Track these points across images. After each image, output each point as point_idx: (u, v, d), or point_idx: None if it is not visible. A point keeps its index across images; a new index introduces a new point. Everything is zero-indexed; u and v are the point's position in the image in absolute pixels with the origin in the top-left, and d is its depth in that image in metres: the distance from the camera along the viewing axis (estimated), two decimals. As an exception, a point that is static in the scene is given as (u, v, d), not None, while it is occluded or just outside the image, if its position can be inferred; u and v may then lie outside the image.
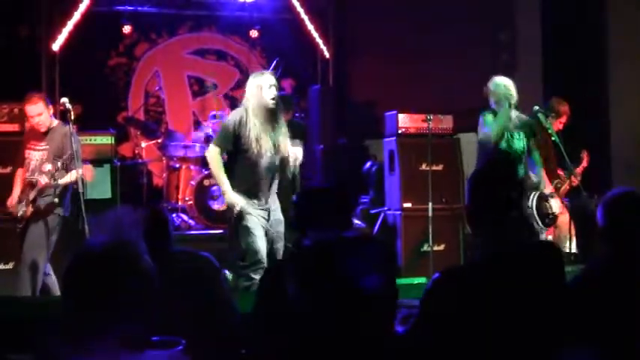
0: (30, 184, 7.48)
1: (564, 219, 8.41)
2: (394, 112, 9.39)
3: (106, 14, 12.03)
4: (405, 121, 9.30)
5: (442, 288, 3.23)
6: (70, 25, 11.17)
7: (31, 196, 7.44)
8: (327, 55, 12.68)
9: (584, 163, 8.82)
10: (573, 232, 8.45)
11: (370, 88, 12.06)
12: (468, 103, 10.02)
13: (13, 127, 8.42)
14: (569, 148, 8.27)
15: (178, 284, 3.74)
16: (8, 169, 8.07)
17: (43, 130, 7.54)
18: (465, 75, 10.46)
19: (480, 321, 3.08)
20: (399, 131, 9.28)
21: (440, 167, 9.16)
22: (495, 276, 3.17)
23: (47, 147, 7.55)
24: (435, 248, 8.57)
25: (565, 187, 8.65)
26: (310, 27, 12.49)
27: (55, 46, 11.10)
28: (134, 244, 2.46)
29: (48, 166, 7.42)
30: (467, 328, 3.08)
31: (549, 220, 7.67)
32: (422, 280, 7.77)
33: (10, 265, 8.12)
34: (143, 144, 10.96)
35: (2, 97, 8.76)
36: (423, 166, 8.91)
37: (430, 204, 8.30)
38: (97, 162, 8.35)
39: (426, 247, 8.58)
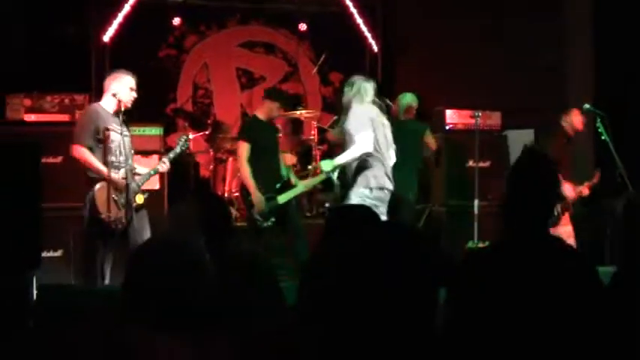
0: (132, 172, 7.14)
1: (567, 230, 8.41)
2: (442, 107, 9.38)
3: (156, 6, 12.11)
4: (452, 116, 9.29)
5: (465, 272, 3.27)
6: (120, 16, 11.26)
7: (141, 183, 7.20)
8: (375, 49, 12.66)
9: (595, 180, 8.70)
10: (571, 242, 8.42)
11: (418, 83, 12.00)
12: (516, 100, 9.97)
13: (64, 118, 8.54)
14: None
15: (234, 277, 3.78)
16: (59, 159, 8.18)
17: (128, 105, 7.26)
18: (514, 71, 10.40)
19: (505, 305, 3.10)
20: (447, 127, 9.26)
21: (487, 164, 9.13)
22: (520, 260, 3.20)
23: (128, 134, 7.30)
24: (481, 245, 8.53)
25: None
26: (359, 21, 12.48)
27: (106, 38, 11.21)
28: (194, 238, 2.50)
29: (132, 153, 7.28)
30: (493, 312, 3.10)
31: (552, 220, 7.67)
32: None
33: (59, 253, 8.25)
34: (191, 135, 11.04)
35: (53, 88, 8.88)
36: (470, 163, 8.89)
37: (476, 201, 8.27)
38: (145, 153, 8.43)
39: (471, 245, 8.55)
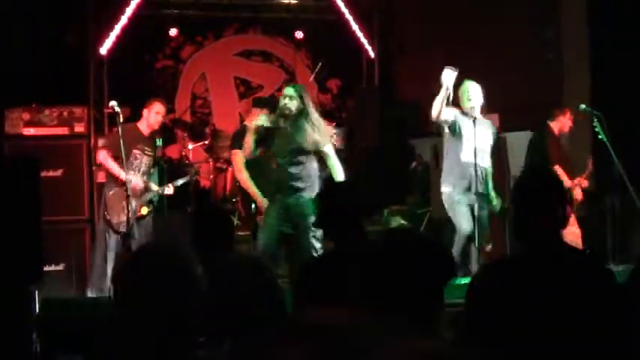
0: (145, 187, 7.92)
1: (573, 231, 8.43)
2: (439, 111, 9.37)
3: (153, 18, 12.14)
4: (450, 120, 9.27)
5: (484, 280, 3.28)
6: (117, 28, 11.29)
7: (148, 197, 7.93)
8: (372, 55, 12.68)
9: (590, 168, 8.74)
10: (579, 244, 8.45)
11: (415, 88, 12.05)
12: (514, 102, 9.98)
13: (63, 131, 8.56)
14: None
15: (233, 287, 3.80)
16: (59, 172, 8.20)
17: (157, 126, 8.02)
18: (510, 74, 10.42)
19: (523, 315, 3.10)
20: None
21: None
22: (537, 272, 3.19)
23: (152, 155, 8.04)
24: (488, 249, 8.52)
25: (575, 197, 8.58)
26: (355, 27, 12.50)
27: (103, 50, 11.23)
28: (184, 249, 2.51)
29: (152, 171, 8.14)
30: (511, 322, 3.10)
31: None
32: (468, 280, 7.74)
33: (60, 267, 8.25)
34: (190, 146, 11.05)
35: (52, 101, 8.89)
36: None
37: (476, 204, 8.26)
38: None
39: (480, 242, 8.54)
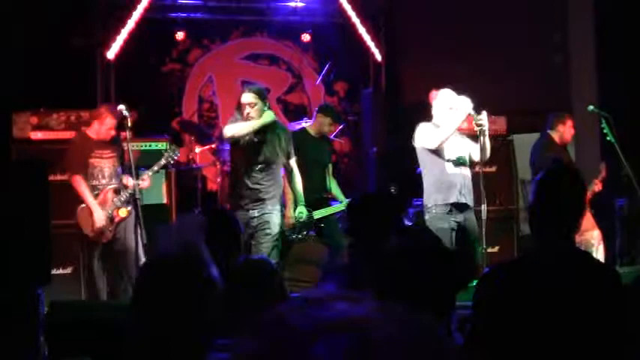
0: (115, 191, 7.86)
1: (595, 234, 8.43)
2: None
3: (160, 21, 12.14)
4: (457, 122, 9.27)
5: (491, 281, 3.28)
6: (124, 32, 11.29)
7: (124, 198, 7.82)
8: (378, 58, 12.67)
9: (603, 173, 8.72)
10: (601, 247, 8.44)
11: (422, 90, 12.03)
12: (522, 104, 9.98)
13: (71, 135, 8.57)
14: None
15: (242, 289, 3.81)
16: (67, 176, 8.21)
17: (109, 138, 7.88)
18: (518, 76, 10.41)
19: (530, 316, 3.10)
20: (452, 133, 9.25)
21: (493, 169, 9.13)
22: (544, 273, 3.19)
23: (114, 154, 7.90)
24: (489, 250, 8.52)
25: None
26: (362, 30, 12.50)
27: (110, 54, 11.24)
28: (200, 252, 2.51)
29: (119, 171, 7.89)
30: (518, 322, 3.10)
31: None
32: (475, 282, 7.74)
33: (68, 270, 8.27)
34: (197, 149, 11.04)
35: (60, 105, 8.91)
36: (476, 168, 8.88)
37: (484, 206, 8.25)
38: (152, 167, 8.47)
39: (479, 249, 8.54)
